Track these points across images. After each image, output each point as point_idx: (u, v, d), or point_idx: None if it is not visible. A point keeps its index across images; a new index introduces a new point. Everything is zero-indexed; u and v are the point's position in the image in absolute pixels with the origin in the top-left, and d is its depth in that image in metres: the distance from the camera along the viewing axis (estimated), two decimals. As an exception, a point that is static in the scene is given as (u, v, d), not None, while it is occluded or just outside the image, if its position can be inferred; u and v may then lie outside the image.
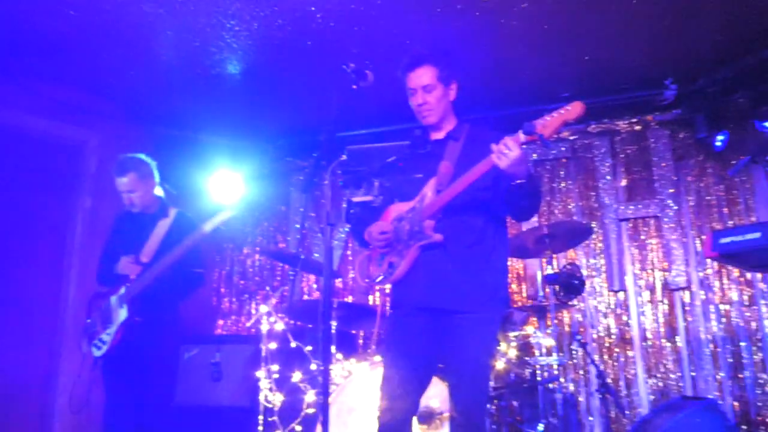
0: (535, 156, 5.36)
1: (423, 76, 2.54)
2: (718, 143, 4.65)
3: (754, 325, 4.58)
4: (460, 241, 2.49)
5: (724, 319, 4.67)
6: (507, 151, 2.18)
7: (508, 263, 5.09)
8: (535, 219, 5.19)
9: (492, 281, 2.51)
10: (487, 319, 2.47)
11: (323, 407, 2.03)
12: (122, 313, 3.35)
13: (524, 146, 2.20)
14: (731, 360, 4.58)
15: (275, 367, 3.92)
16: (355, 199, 2.11)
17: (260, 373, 3.90)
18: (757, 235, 2.22)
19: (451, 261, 2.47)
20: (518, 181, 2.29)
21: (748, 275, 4.62)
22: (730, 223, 4.80)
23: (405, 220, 2.55)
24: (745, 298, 4.65)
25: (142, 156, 3.65)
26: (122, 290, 3.40)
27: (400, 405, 2.41)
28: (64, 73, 4.61)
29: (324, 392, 2.05)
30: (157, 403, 3.39)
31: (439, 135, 2.67)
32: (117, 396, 3.36)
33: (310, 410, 3.70)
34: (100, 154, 4.96)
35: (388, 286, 2.68)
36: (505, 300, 2.57)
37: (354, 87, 2.32)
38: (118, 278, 3.48)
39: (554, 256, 4.87)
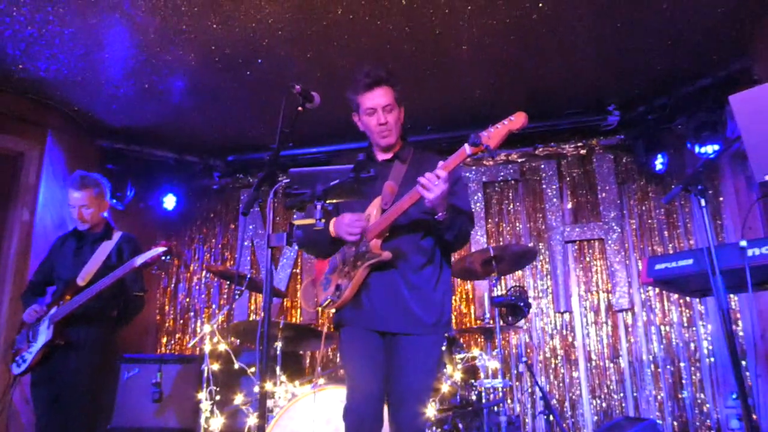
0: (484, 178, 5.44)
1: (383, 96, 2.54)
2: (660, 166, 4.82)
3: (693, 345, 4.72)
4: (409, 261, 2.47)
5: (665, 340, 4.80)
6: (432, 186, 2.20)
7: (457, 284, 5.10)
8: (483, 240, 5.25)
9: (439, 303, 2.50)
10: (434, 341, 2.47)
11: (260, 430, 1.98)
12: (46, 334, 3.30)
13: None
14: (671, 380, 4.71)
15: (217, 389, 3.81)
16: (297, 222, 2.07)
17: (201, 395, 3.78)
18: (689, 261, 2.28)
19: (399, 282, 2.45)
20: (439, 215, 2.32)
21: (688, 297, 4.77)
22: (671, 246, 4.95)
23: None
24: (685, 319, 4.79)
25: (99, 176, 3.66)
26: (52, 310, 3.35)
27: (366, 410, 2.37)
28: (4, 82, 4.44)
29: (261, 415, 1.99)
30: (88, 427, 3.27)
31: (387, 155, 2.68)
32: (45, 418, 3.26)
33: (252, 434, 3.60)
34: (39, 165, 4.78)
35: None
36: (450, 322, 2.56)
37: (300, 109, 2.29)
38: (51, 298, 3.43)
39: (502, 277, 4.92)
